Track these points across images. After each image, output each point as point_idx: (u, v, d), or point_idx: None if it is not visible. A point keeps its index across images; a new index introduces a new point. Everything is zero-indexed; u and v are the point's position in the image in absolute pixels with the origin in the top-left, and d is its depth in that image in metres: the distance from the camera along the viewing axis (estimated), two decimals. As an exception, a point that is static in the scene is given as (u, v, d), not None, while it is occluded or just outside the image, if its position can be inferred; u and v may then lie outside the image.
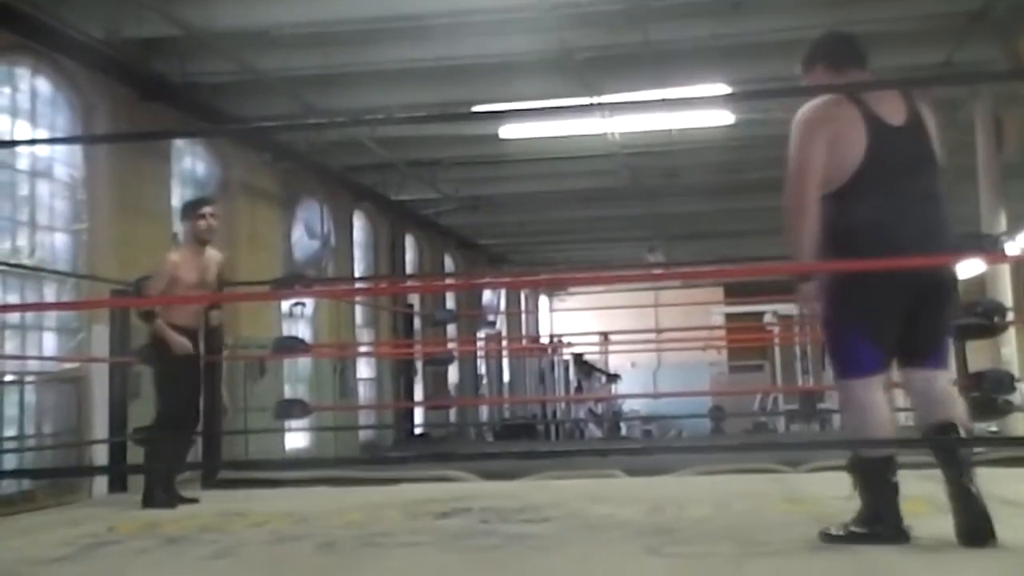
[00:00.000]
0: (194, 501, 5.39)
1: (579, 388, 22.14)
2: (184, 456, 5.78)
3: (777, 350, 19.64)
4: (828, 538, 3.20)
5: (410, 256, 16.89)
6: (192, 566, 3.42)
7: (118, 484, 6.29)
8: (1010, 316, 7.81)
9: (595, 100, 9.46)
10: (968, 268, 7.65)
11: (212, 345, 6.11)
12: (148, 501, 5.25)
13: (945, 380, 3.21)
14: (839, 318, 3.18)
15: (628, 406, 23.62)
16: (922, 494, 3.43)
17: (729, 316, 20.91)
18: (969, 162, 9.90)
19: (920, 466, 3.47)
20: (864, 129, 3.11)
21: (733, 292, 22.99)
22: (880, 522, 3.10)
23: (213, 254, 5.75)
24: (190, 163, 10.42)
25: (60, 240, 8.41)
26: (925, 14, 8.36)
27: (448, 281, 16.69)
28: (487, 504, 4.67)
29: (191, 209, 5.73)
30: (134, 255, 8.33)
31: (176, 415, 5.44)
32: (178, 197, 9.84)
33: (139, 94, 8.76)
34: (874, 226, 3.09)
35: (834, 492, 3.50)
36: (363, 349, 14.64)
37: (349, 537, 3.82)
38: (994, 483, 3.22)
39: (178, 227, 9.61)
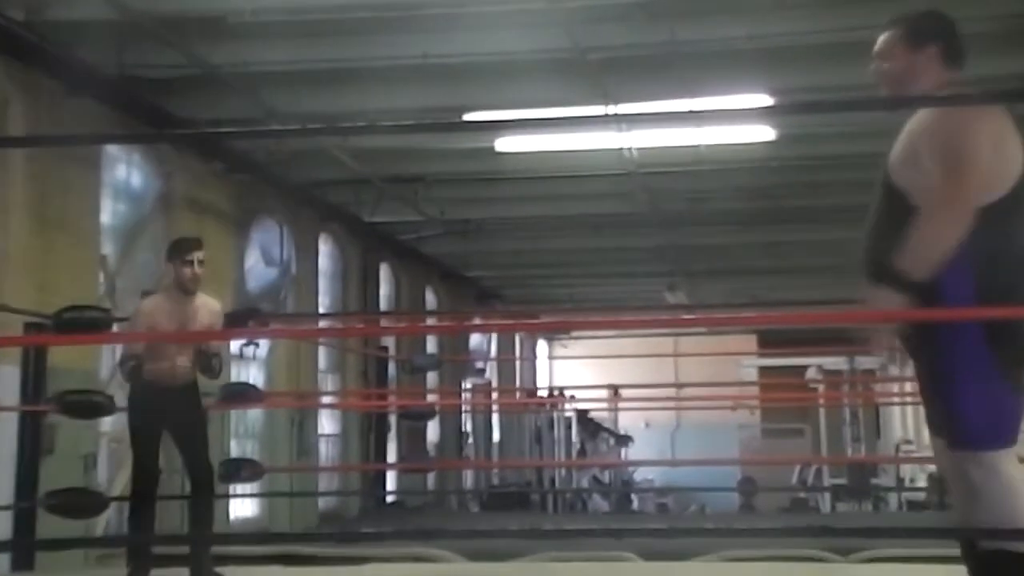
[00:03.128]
0: None
1: (582, 451, 22.03)
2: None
3: (822, 412, 19.56)
4: None
5: (385, 289, 16.85)
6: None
7: (23, 562, 6.19)
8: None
9: (610, 110, 9.45)
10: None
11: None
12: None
13: None
14: (976, 366, 3.03)
15: (640, 474, 23.50)
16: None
17: (763, 370, 20.89)
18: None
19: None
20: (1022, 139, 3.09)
21: (769, 341, 22.99)
22: None
23: (204, 303, 5.83)
24: (124, 172, 10.38)
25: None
26: (1013, 13, 8.31)
27: (430, 321, 16.66)
28: (473, 592, 4.59)
29: (176, 252, 5.89)
30: (53, 281, 8.25)
31: (142, 477, 5.73)
32: (108, 212, 9.79)
33: (65, 87, 8.71)
34: None
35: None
36: (326, 399, 14.56)
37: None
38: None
39: (107, 248, 9.68)
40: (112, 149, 10.00)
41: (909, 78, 3.28)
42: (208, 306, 5.91)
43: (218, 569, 5.73)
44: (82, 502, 6.13)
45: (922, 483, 13.67)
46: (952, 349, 3.04)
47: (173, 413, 5.77)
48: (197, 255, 5.85)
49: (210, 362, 5.91)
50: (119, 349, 6.90)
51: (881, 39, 3.35)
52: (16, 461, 6.44)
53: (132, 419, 5.88)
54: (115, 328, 6.46)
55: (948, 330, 3.05)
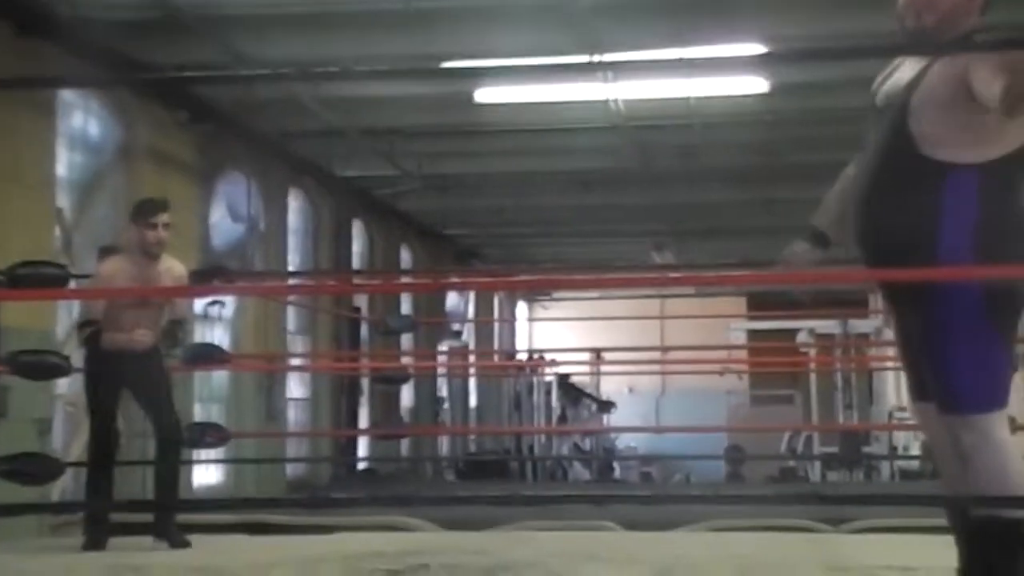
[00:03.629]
0: (186, 544, 5.63)
1: (563, 418, 22.13)
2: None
3: (812, 378, 19.68)
4: None
5: (358, 247, 16.81)
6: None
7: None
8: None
9: (596, 58, 9.41)
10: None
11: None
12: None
13: None
14: (985, 330, 3.05)
15: (623, 441, 23.62)
16: None
17: (753, 334, 20.97)
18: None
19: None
20: None
21: (759, 304, 23.07)
22: None
23: (169, 268, 5.83)
24: (81, 120, 10.28)
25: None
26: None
27: (405, 280, 16.62)
28: (448, 560, 4.66)
29: (141, 214, 5.89)
30: (6, 235, 8.18)
31: (100, 440, 5.81)
32: (64, 163, 9.70)
33: (15, 27, 8.59)
34: None
35: (888, 560, 3.46)
36: (296, 362, 14.55)
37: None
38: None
39: (64, 201, 9.59)
40: (68, 95, 9.88)
41: (959, 17, 3.17)
42: (173, 271, 5.90)
43: (184, 536, 5.74)
44: (36, 468, 6.07)
45: (916, 451, 13.77)
46: (947, 307, 3.04)
47: (134, 375, 5.78)
48: (163, 218, 5.84)
49: (174, 330, 5.92)
50: (76, 309, 6.89)
51: None
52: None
53: (89, 384, 5.88)
54: (72, 285, 6.41)
55: (944, 288, 3.05)
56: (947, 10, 3.16)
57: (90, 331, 5.76)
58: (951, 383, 3.05)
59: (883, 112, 3.20)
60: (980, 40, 3.17)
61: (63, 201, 9.62)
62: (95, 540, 5.66)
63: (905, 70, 3.20)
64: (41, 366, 6.19)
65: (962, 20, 3.18)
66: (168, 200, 6.23)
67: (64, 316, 9.24)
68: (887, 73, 3.31)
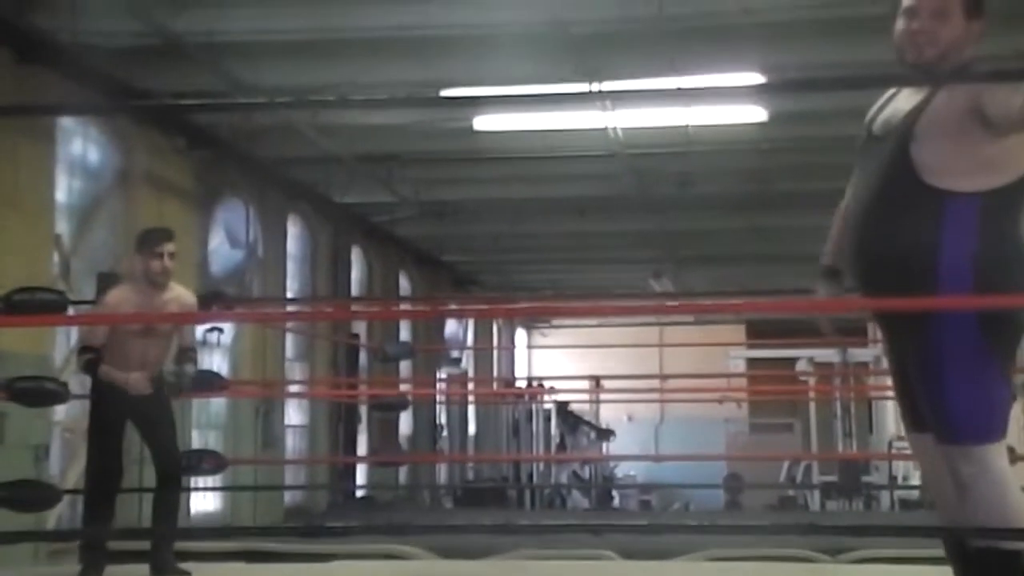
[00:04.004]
0: (184, 574, 5.58)
1: (562, 445, 22.05)
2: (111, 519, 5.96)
3: (812, 406, 19.64)
4: None
5: (356, 273, 16.80)
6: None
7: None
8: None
9: (594, 87, 9.42)
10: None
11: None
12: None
13: None
14: (983, 359, 3.04)
15: (622, 470, 23.54)
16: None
17: (752, 362, 20.93)
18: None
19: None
20: None
21: (757, 332, 23.06)
22: None
23: (177, 296, 5.82)
24: (80, 146, 10.29)
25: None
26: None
27: (403, 307, 16.61)
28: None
29: (145, 244, 5.87)
30: (4, 260, 8.17)
31: (102, 473, 5.75)
32: (63, 189, 9.71)
33: (16, 54, 8.62)
34: None
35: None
36: (294, 388, 14.52)
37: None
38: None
39: (62, 227, 9.59)
40: (67, 122, 9.90)
41: (959, 48, 3.19)
42: (181, 299, 5.87)
43: (181, 565, 5.71)
44: (33, 495, 6.07)
45: (915, 481, 13.74)
46: (945, 337, 3.03)
47: (137, 406, 5.75)
48: (168, 247, 5.82)
49: (186, 359, 5.92)
50: (75, 335, 6.86)
51: None
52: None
53: (95, 413, 5.83)
54: (70, 311, 6.41)
55: (941, 316, 3.04)
56: (948, 43, 3.17)
57: (88, 358, 5.71)
58: (949, 413, 3.04)
59: (881, 140, 3.20)
60: (980, 71, 3.19)
61: (61, 227, 9.61)
62: (92, 568, 5.63)
63: (904, 98, 3.21)
64: (38, 392, 6.19)
65: (960, 51, 3.20)
66: (171, 230, 6.23)
67: (62, 342, 9.23)
68: (883, 101, 3.32)
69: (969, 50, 3.21)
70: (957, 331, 3.03)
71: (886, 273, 3.14)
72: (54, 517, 8.33)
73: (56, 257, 9.40)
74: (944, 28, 3.17)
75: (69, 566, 6.08)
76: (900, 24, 3.24)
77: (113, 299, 5.76)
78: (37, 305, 5.89)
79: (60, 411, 8.73)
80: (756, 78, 9.54)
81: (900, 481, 15.52)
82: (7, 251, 8.35)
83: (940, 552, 3.29)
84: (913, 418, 3.23)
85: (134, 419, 5.86)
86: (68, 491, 7.33)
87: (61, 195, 9.66)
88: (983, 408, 3.03)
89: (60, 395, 6.11)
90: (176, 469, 5.90)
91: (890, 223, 3.11)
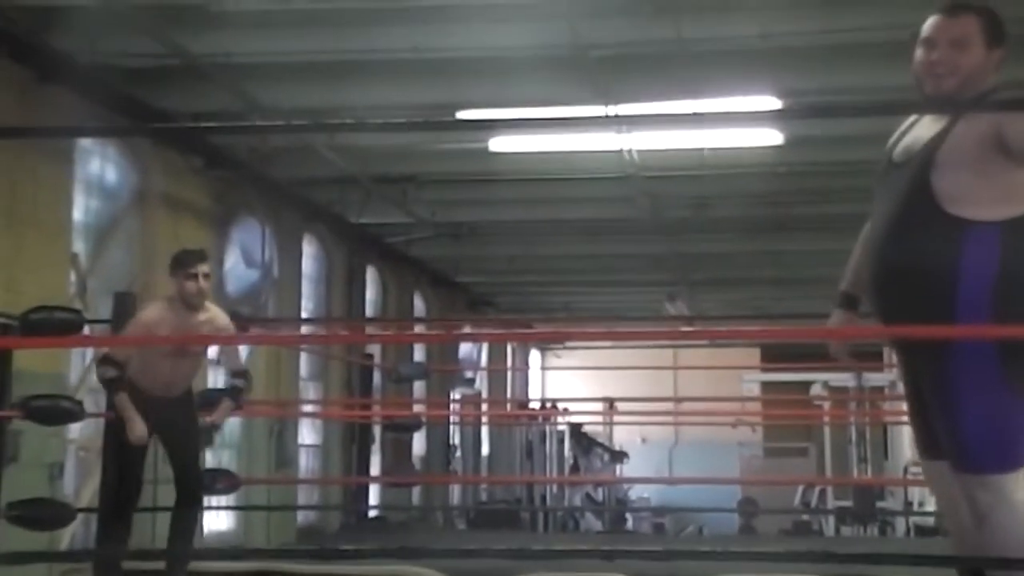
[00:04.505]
0: None
1: (575, 467, 22.02)
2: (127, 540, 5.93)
3: (827, 431, 19.57)
4: None
5: (371, 294, 16.83)
6: None
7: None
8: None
9: (610, 110, 9.44)
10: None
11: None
12: None
13: None
14: (1001, 386, 3.01)
15: (636, 492, 23.48)
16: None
17: (766, 385, 20.88)
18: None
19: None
20: None
21: (772, 356, 22.99)
22: None
23: (212, 318, 5.83)
24: (98, 167, 10.35)
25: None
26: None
27: (418, 328, 16.59)
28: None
29: (180, 265, 5.88)
30: (21, 279, 8.21)
31: (121, 489, 5.69)
32: (81, 208, 9.75)
33: (36, 75, 8.68)
34: None
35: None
36: (307, 408, 14.52)
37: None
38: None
39: (79, 246, 9.63)
40: (86, 142, 9.95)
41: (980, 76, 3.18)
42: (215, 321, 5.87)
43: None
44: (47, 513, 6.09)
45: (931, 507, 13.66)
46: (963, 364, 3.02)
47: (165, 422, 5.72)
48: (202, 268, 5.85)
49: (244, 381, 5.98)
50: (90, 354, 6.85)
51: (956, 25, 3.18)
52: (-22, 469, 6.39)
53: (117, 427, 5.76)
54: (86, 330, 6.42)
55: (959, 343, 3.03)
56: (968, 73, 3.16)
57: (112, 376, 5.64)
58: (966, 441, 3.02)
59: (901, 167, 3.19)
60: (1002, 99, 3.18)
61: (79, 246, 9.65)
62: None
63: (925, 126, 3.20)
64: (54, 411, 6.21)
65: (981, 80, 3.19)
66: (205, 251, 6.25)
67: (77, 361, 9.25)
68: (904, 128, 3.31)
69: (991, 78, 3.20)
70: (975, 359, 3.01)
71: (904, 300, 3.13)
72: (68, 536, 8.33)
73: (73, 276, 9.44)
74: (964, 57, 3.16)
75: (82, 585, 6.07)
76: (919, 54, 3.22)
77: (149, 317, 5.73)
78: (54, 325, 5.91)
79: (75, 429, 8.74)
80: (773, 102, 9.54)
81: (916, 507, 15.42)
82: (25, 269, 8.38)
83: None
84: (927, 445, 3.21)
85: (161, 434, 5.83)
86: (82, 509, 7.33)
87: (78, 214, 9.71)
88: (1001, 436, 3.01)
89: (75, 414, 6.12)
90: (198, 488, 5.89)
91: (909, 251, 3.10)
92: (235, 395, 6.16)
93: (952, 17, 3.19)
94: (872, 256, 3.23)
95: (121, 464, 5.78)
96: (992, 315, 3.00)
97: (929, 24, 3.22)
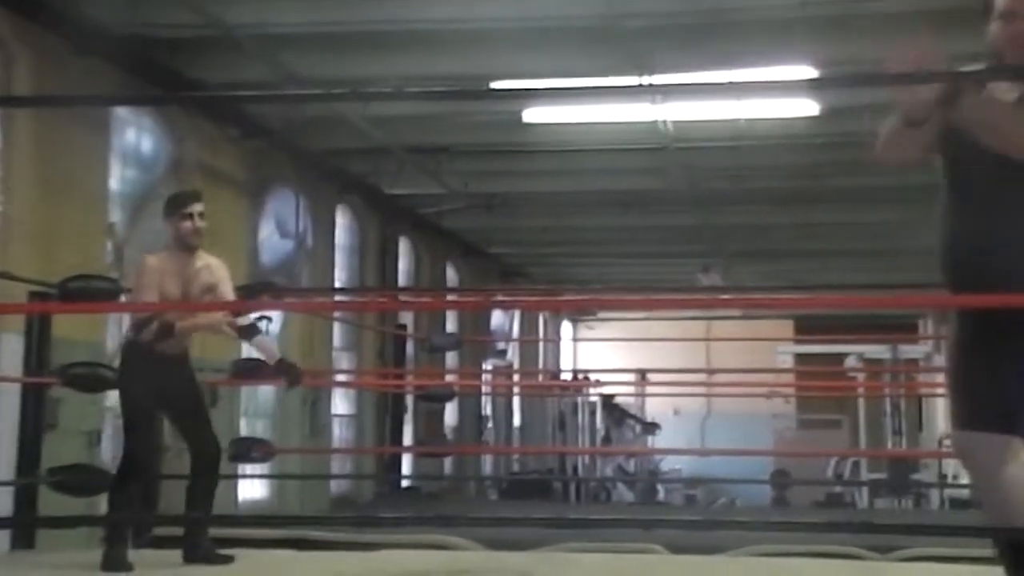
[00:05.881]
0: (229, 559, 5.45)
1: (607, 438, 22.06)
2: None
3: (861, 403, 19.50)
4: None
5: (404, 264, 16.88)
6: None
7: (23, 540, 6.24)
8: None
9: (645, 80, 9.41)
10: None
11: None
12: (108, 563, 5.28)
13: None
14: None
15: (668, 464, 23.50)
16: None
17: (800, 357, 20.81)
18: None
19: None
20: None
21: (806, 327, 22.87)
22: None
23: (208, 264, 5.69)
24: (134, 136, 10.42)
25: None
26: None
27: (450, 298, 16.65)
28: (492, 583, 4.62)
29: (173, 206, 5.70)
30: (58, 248, 8.30)
31: (142, 455, 5.53)
32: (117, 177, 9.83)
33: (72, 46, 8.73)
34: None
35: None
36: (341, 378, 14.61)
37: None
38: None
39: (116, 216, 9.71)
40: (122, 112, 10.02)
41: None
42: (211, 267, 5.69)
43: (227, 551, 5.65)
44: (85, 479, 6.17)
45: (965, 480, 13.61)
46: None
47: (168, 389, 5.54)
48: (196, 207, 5.63)
49: (249, 330, 5.80)
50: (127, 322, 6.82)
51: None
52: (18, 436, 6.47)
53: (130, 391, 5.60)
54: (123, 299, 6.47)
55: None
56: None
57: (159, 324, 5.47)
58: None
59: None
60: None
61: (115, 215, 9.74)
62: (116, 561, 5.34)
63: (1001, 94, 3.13)
64: (91, 378, 6.27)
65: None
66: (199, 190, 6.10)
67: (114, 329, 9.34)
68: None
69: None
70: None
71: (1008, 275, 3.03)
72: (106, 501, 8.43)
73: (109, 245, 9.53)
74: None
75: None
76: (997, 27, 3.18)
77: (154, 263, 5.56)
78: (92, 292, 5.98)
79: (112, 397, 8.82)
80: (809, 72, 9.48)
81: (950, 479, 15.36)
82: (62, 238, 8.47)
83: (990, 552, 3.25)
84: (974, 416, 3.11)
85: (165, 406, 5.69)
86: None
87: (115, 184, 9.79)
88: None
89: (112, 381, 6.17)
90: (217, 450, 5.69)
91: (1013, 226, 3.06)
92: (253, 333, 5.94)
93: None
94: (967, 242, 3.13)
95: (135, 428, 5.55)
96: None
97: None
